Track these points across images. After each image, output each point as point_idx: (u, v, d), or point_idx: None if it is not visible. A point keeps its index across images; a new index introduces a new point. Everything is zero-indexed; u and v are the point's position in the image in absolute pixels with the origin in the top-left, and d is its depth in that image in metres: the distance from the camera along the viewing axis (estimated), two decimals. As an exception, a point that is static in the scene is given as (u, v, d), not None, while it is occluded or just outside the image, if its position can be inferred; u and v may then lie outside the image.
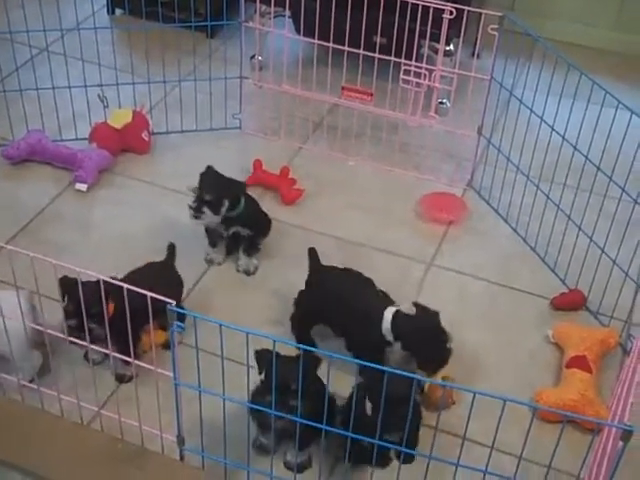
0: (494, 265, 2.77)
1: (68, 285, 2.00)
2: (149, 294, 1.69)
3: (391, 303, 2.29)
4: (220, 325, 1.68)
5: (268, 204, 2.94)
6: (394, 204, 2.99)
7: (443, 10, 2.74)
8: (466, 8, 2.76)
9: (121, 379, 2.29)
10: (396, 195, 3.02)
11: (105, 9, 3.84)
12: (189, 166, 3.07)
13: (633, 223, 2.42)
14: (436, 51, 3.07)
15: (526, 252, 2.82)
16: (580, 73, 2.45)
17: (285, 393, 1.86)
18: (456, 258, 2.79)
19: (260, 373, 1.96)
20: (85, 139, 3.07)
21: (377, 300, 2.32)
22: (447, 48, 3.17)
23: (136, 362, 1.90)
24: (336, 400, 2.15)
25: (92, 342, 1.97)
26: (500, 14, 2.68)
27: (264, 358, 1.92)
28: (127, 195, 2.95)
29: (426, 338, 2.20)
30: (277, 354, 1.81)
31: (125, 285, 1.75)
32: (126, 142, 3.08)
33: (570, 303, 2.62)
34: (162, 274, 2.39)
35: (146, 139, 3.10)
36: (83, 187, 2.92)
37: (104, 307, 1.95)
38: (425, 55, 3.06)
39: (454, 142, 3.10)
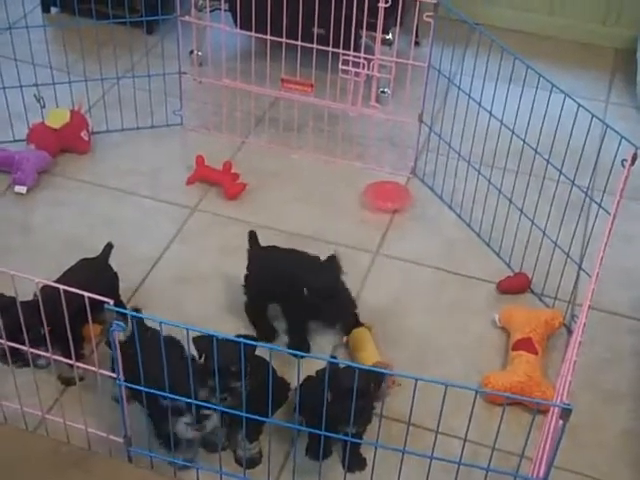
0: (440, 252, 2.79)
1: (4, 305, 1.96)
2: (86, 294, 1.67)
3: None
4: (160, 323, 1.66)
5: (212, 200, 2.93)
6: (338, 195, 2.98)
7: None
8: (400, -3, 2.76)
9: (67, 382, 2.25)
10: (340, 186, 3.02)
11: (39, 8, 3.78)
12: (130, 164, 3.06)
13: (572, 204, 2.45)
14: (375, 40, 3.08)
15: (471, 237, 2.84)
16: (514, 57, 2.46)
17: (226, 376, 1.84)
18: (402, 246, 2.80)
19: (200, 358, 1.96)
20: (23, 140, 3.02)
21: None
22: (386, 37, 3.18)
23: (78, 364, 1.87)
24: (289, 384, 2.15)
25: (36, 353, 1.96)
26: (435, 1, 2.69)
27: (202, 343, 1.92)
28: (67, 196, 2.90)
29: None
30: (216, 338, 1.81)
31: (62, 287, 1.72)
32: (65, 142, 3.03)
33: (515, 286, 2.65)
34: (96, 270, 2.35)
35: (85, 139, 3.05)
36: (22, 189, 2.87)
37: (45, 326, 1.91)
38: (363, 45, 3.05)
39: (396, 131, 3.11)
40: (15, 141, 3.04)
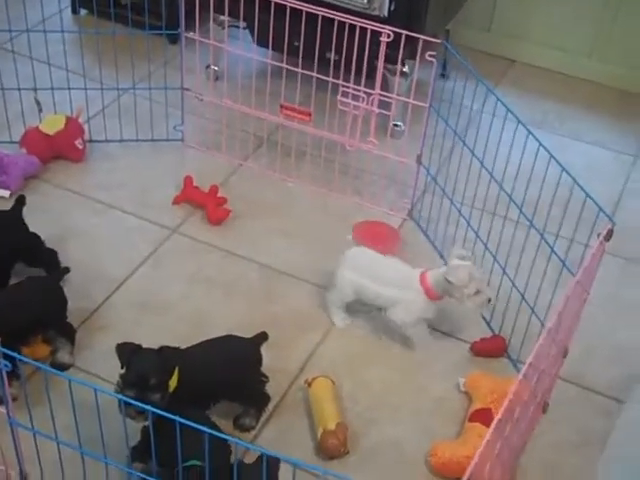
0: (420, 302, 2.63)
1: None
2: None
3: None
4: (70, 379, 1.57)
5: (194, 223, 2.83)
6: (328, 231, 2.82)
7: (380, 33, 2.60)
8: (404, 32, 2.60)
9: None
10: (331, 221, 2.87)
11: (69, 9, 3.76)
12: (121, 177, 2.99)
13: (552, 265, 2.26)
14: (393, 73, 2.96)
15: (456, 290, 2.67)
16: (495, 99, 2.30)
17: (144, 387, 1.88)
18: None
19: (122, 367, 1.95)
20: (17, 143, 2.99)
21: None
22: (402, 69, 3.05)
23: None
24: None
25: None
26: (438, 41, 2.55)
27: (125, 351, 1.96)
28: (49, 204, 2.83)
29: None
30: (138, 347, 1.96)
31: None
32: (58, 149, 2.97)
33: (490, 350, 2.47)
34: (42, 291, 2.28)
35: (80, 147, 3.00)
36: (5, 193, 2.83)
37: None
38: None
39: (398, 167, 2.94)
40: (12, 142, 3.00)
